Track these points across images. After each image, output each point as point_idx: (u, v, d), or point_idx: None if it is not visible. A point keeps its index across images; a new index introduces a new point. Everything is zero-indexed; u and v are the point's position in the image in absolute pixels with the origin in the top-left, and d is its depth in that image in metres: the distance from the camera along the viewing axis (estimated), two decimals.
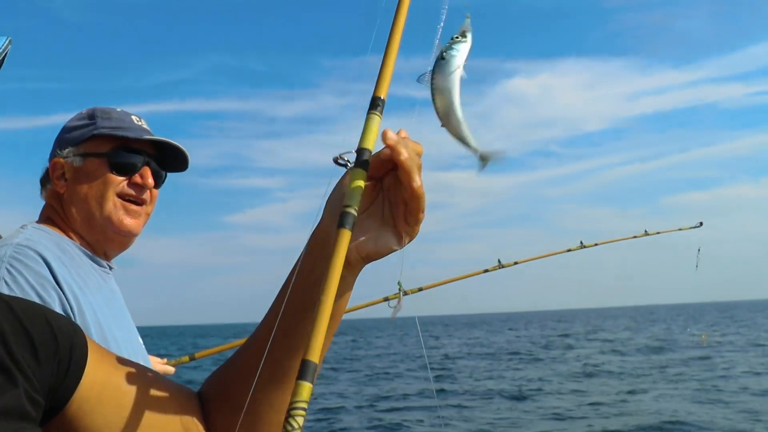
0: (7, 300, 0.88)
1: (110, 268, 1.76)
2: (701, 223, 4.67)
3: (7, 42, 0.83)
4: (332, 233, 0.87)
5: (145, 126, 1.78)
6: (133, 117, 1.77)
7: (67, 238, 1.68)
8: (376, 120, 0.93)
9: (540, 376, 18.91)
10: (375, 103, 0.93)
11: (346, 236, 0.85)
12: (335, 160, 0.93)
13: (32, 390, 0.82)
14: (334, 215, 0.89)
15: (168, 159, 1.81)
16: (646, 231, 4.52)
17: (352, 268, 0.98)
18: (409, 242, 0.97)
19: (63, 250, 1.59)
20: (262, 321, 1.05)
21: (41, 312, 0.90)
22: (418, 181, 0.90)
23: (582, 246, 4.95)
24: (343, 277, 0.84)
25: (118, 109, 1.78)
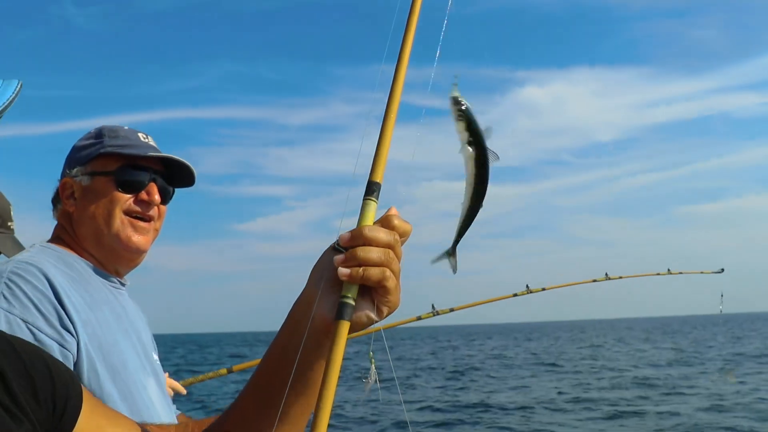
0: (10, 340, 0.90)
1: (122, 284, 1.77)
2: (722, 270, 4.75)
3: (18, 87, 0.84)
4: (314, 300, 0.95)
5: (152, 143, 1.79)
6: (140, 134, 1.78)
7: (75, 255, 1.68)
8: (373, 206, 0.95)
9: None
10: (371, 189, 0.95)
11: (345, 327, 0.89)
12: (334, 247, 0.95)
13: None
14: (318, 284, 0.95)
15: (175, 175, 1.81)
16: (669, 270, 4.57)
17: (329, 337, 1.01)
18: (389, 314, 0.98)
19: (69, 266, 1.59)
20: (246, 387, 1.10)
21: (42, 356, 0.93)
22: (392, 284, 0.94)
23: (607, 278, 4.95)
24: (321, 345, 0.95)
25: (126, 127, 1.79)
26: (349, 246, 0.92)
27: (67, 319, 1.42)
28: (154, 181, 1.74)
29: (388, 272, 0.92)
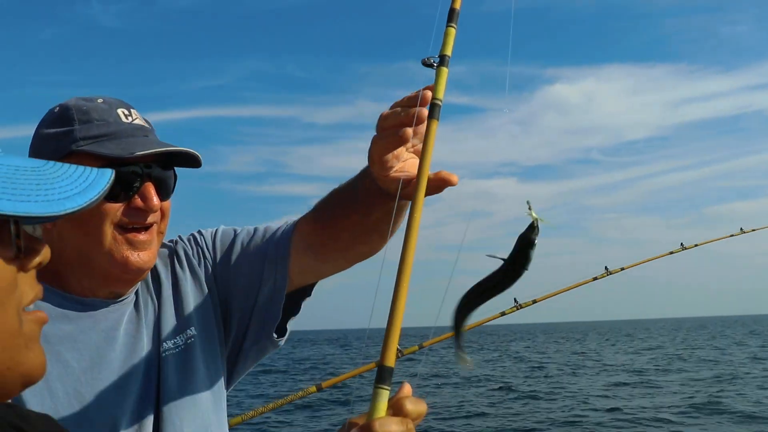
0: None
1: (119, 297, 1.41)
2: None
3: (111, 177, 0.73)
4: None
5: (137, 122, 1.37)
6: (121, 111, 1.36)
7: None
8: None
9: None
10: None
11: (434, 125, 1.13)
12: (423, 63, 1.18)
13: None
14: None
15: (175, 155, 1.37)
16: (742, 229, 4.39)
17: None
18: None
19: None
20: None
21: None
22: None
23: (683, 248, 4.89)
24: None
25: (100, 100, 1.36)
26: None
27: None
28: (149, 178, 1.32)
29: None
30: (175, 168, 1.41)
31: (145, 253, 1.34)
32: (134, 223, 1.31)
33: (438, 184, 1.19)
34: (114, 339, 1.36)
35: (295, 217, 1.52)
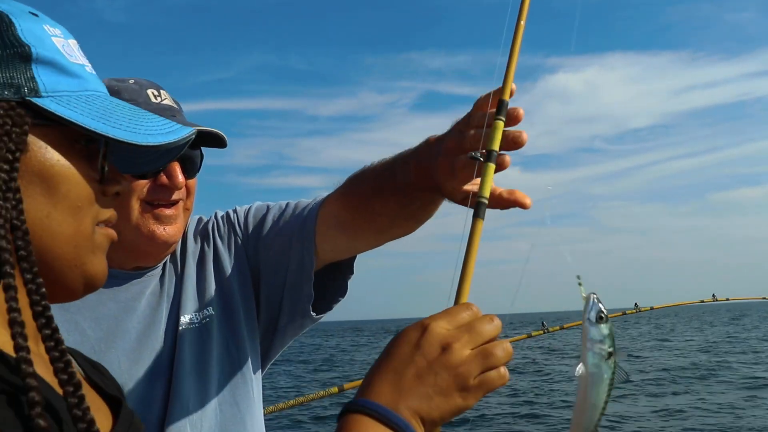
0: None
1: (146, 270, 1.43)
2: None
3: (192, 133, 0.82)
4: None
5: (166, 102, 1.39)
6: (150, 92, 1.38)
7: None
8: (500, 125, 1.09)
9: None
10: (500, 110, 1.09)
11: (479, 225, 1.02)
12: (470, 156, 1.09)
13: None
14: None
15: (201, 135, 1.39)
16: None
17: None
18: None
19: None
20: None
21: None
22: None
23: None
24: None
25: (132, 81, 1.38)
26: None
27: None
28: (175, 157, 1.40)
29: None
30: (202, 147, 1.44)
31: (171, 227, 1.37)
32: (160, 199, 1.35)
33: (509, 205, 1.13)
34: (133, 310, 1.38)
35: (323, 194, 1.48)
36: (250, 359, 1.48)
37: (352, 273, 1.54)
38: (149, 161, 0.95)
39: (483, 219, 1.03)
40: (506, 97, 1.09)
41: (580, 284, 0.98)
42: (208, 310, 1.44)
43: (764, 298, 5.49)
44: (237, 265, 1.50)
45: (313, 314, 1.49)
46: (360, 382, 0.92)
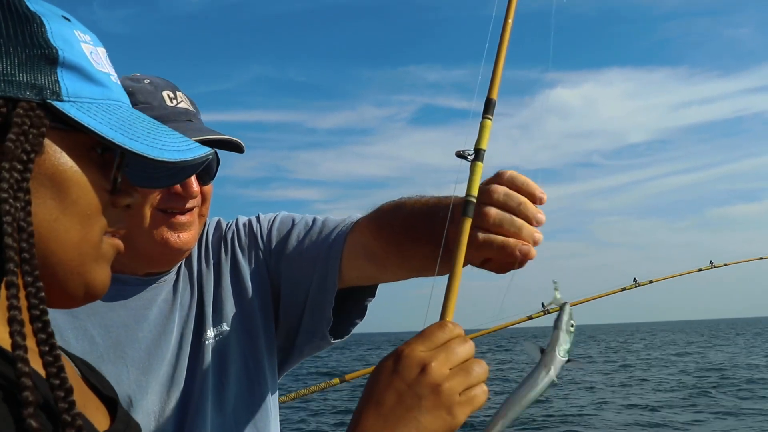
0: None
1: (154, 275, 1.38)
2: None
3: (208, 153, 0.82)
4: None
5: (182, 105, 1.34)
6: (166, 94, 1.33)
7: None
8: (488, 124, 1.09)
9: None
10: (487, 109, 1.09)
11: (467, 224, 1.03)
12: (457, 154, 1.08)
13: None
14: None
15: (220, 140, 1.34)
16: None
17: None
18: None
19: None
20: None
21: None
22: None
23: (712, 266, 4.88)
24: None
25: (147, 81, 1.33)
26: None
27: None
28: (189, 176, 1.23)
29: None
30: (218, 152, 1.38)
31: (186, 234, 1.33)
32: (174, 207, 1.31)
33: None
34: (144, 318, 1.34)
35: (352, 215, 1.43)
36: (267, 375, 1.44)
37: (373, 296, 1.48)
38: (163, 177, 0.92)
39: (471, 217, 1.04)
40: (494, 95, 1.09)
41: (556, 289, 0.99)
42: (226, 324, 1.41)
43: (761, 258, 5.41)
44: (257, 278, 1.46)
45: (330, 337, 1.45)
46: (363, 371, 0.93)
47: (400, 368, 0.84)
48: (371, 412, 0.83)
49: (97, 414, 0.68)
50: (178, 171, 0.89)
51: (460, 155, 1.08)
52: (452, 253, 1.01)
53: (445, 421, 0.82)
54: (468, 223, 1.03)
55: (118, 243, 0.79)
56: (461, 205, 1.04)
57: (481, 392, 0.85)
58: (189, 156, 0.78)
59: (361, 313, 1.49)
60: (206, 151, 0.81)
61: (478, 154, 1.07)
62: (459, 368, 0.85)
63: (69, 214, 0.72)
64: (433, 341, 0.87)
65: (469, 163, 1.07)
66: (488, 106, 1.09)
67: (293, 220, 1.48)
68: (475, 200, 1.04)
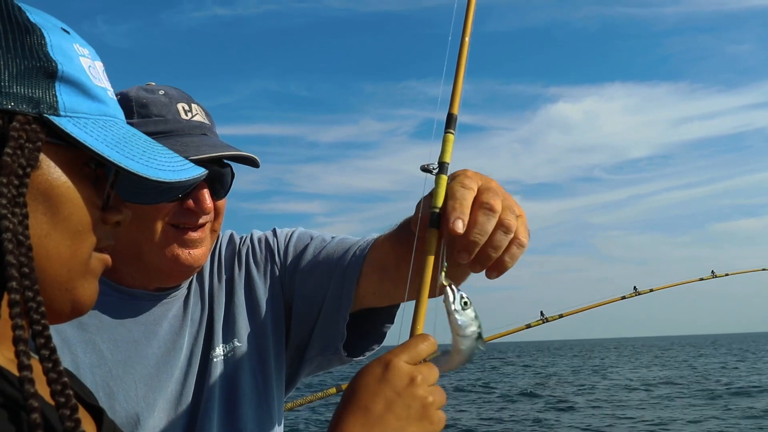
0: None
1: (165, 290, 1.36)
2: None
3: (202, 174, 0.81)
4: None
5: (197, 118, 1.31)
6: (181, 106, 1.31)
7: None
8: (451, 138, 1.11)
9: None
10: (449, 123, 1.12)
11: (434, 235, 1.05)
12: (422, 168, 1.10)
13: None
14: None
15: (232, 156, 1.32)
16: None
17: None
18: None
19: None
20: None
21: None
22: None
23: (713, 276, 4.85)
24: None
25: (161, 92, 1.31)
26: None
27: None
28: (203, 181, 1.24)
29: None
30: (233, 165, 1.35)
31: (197, 251, 1.30)
32: (186, 223, 1.28)
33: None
34: (153, 334, 1.32)
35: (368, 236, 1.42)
36: (275, 393, 1.43)
37: (392, 322, 1.45)
38: (150, 194, 0.93)
39: (438, 229, 1.06)
40: (455, 111, 1.12)
41: (444, 272, 0.99)
42: (237, 341, 1.38)
43: (764, 269, 5.39)
44: (271, 295, 1.43)
45: (344, 354, 1.42)
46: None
47: (390, 377, 0.86)
48: (359, 417, 0.84)
49: (84, 423, 0.67)
50: (166, 189, 0.89)
51: (425, 169, 1.10)
52: (420, 264, 1.02)
53: (427, 430, 0.86)
54: (435, 234, 1.05)
55: (107, 258, 0.78)
56: (428, 217, 1.07)
57: (443, 415, 0.89)
58: (183, 177, 0.77)
59: (379, 338, 1.47)
60: (200, 171, 0.81)
61: (442, 167, 1.09)
62: (435, 387, 0.89)
63: (60, 229, 0.71)
64: (418, 353, 0.90)
65: (434, 177, 1.10)
66: (450, 121, 1.11)
67: (311, 236, 1.47)
68: (438, 211, 1.06)
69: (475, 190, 1.02)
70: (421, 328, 0.98)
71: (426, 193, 1.11)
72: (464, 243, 0.99)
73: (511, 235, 1.01)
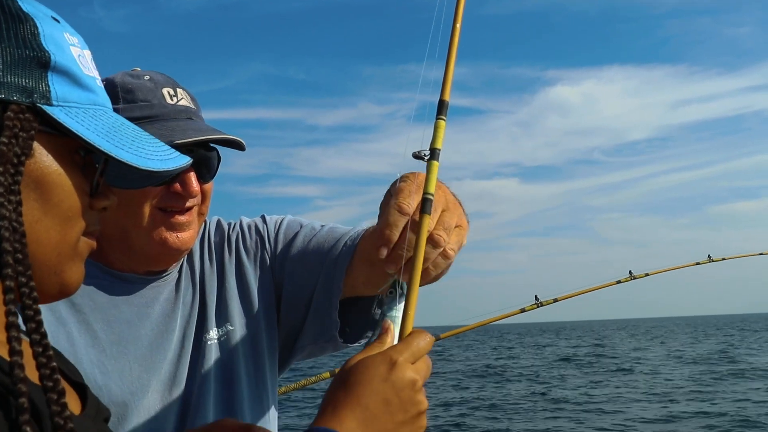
0: None
1: (155, 274, 1.37)
2: None
3: (187, 163, 0.84)
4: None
5: (182, 103, 1.32)
6: (166, 91, 1.31)
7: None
8: (442, 125, 1.11)
9: None
10: (440, 109, 1.12)
11: (426, 221, 1.05)
12: (414, 155, 1.11)
13: None
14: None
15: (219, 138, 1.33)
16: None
17: None
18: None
19: None
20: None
21: None
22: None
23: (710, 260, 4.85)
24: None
25: (146, 77, 1.31)
26: None
27: None
28: (191, 164, 1.20)
29: None
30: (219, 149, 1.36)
31: (184, 234, 1.31)
32: (173, 206, 1.29)
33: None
34: (146, 316, 1.33)
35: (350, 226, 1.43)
36: (269, 376, 1.44)
37: None
38: (136, 179, 0.96)
39: (430, 215, 1.07)
40: (446, 97, 1.12)
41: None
42: (230, 325, 1.40)
43: (761, 254, 5.38)
44: (262, 281, 1.45)
45: (340, 340, 1.42)
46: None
47: (395, 379, 0.88)
48: (357, 414, 0.86)
49: (69, 399, 0.69)
50: (148, 175, 0.92)
51: (417, 156, 1.11)
52: (413, 252, 1.03)
53: None
54: (427, 221, 1.06)
55: (93, 242, 0.81)
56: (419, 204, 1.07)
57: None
58: (170, 166, 0.79)
59: (373, 324, 1.43)
60: (186, 160, 0.83)
61: (434, 153, 1.10)
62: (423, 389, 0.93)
63: (51, 215, 0.73)
64: (420, 351, 0.93)
65: (426, 163, 1.10)
66: (441, 107, 1.11)
67: (300, 224, 1.48)
68: (432, 198, 1.07)
69: (411, 212, 1.08)
70: (412, 314, 0.99)
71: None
72: (392, 256, 1.08)
73: (440, 249, 1.08)
